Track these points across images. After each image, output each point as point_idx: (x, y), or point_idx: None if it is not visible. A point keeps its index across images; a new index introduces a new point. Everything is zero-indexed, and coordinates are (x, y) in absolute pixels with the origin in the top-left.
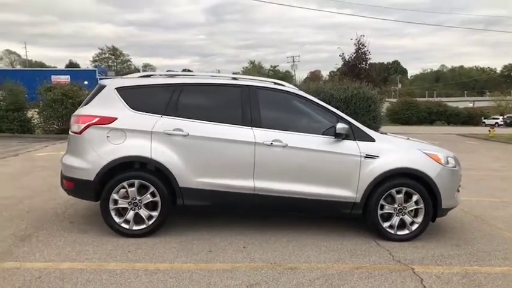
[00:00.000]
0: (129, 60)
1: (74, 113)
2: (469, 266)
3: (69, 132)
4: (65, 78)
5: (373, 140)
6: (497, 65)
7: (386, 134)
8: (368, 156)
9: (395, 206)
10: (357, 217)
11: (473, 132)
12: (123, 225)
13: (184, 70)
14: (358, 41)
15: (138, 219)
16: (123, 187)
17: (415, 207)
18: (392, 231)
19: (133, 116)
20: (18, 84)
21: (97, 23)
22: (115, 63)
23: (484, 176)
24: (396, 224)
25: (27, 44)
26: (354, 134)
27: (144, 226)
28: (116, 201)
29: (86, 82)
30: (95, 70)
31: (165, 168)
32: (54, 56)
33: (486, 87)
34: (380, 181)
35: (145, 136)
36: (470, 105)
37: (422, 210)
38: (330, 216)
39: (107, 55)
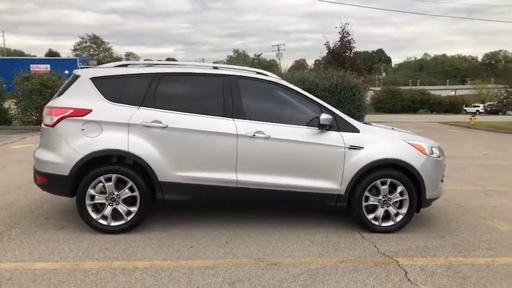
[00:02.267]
0: (110, 49)
1: (47, 105)
2: (453, 257)
3: (42, 125)
4: (44, 68)
5: (357, 130)
6: (479, 53)
7: (370, 124)
8: (352, 148)
9: (380, 197)
10: (341, 209)
11: (455, 120)
12: (101, 221)
13: (168, 59)
14: (343, 29)
15: (116, 215)
16: (100, 182)
17: (400, 198)
18: (377, 223)
19: (109, 107)
20: None
21: (78, 10)
22: (97, 52)
23: (466, 164)
24: (381, 215)
25: (6, 32)
26: (338, 125)
27: (122, 222)
28: (92, 197)
29: (66, 71)
30: (76, 59)
31: (143, 161)
32: (33, 45)
33: (468, 75)
34: (364, 172)
35: (122, 128)
36: (452, 93)
37: (407, 201)
38: (314, 209)
39: (88, 44)
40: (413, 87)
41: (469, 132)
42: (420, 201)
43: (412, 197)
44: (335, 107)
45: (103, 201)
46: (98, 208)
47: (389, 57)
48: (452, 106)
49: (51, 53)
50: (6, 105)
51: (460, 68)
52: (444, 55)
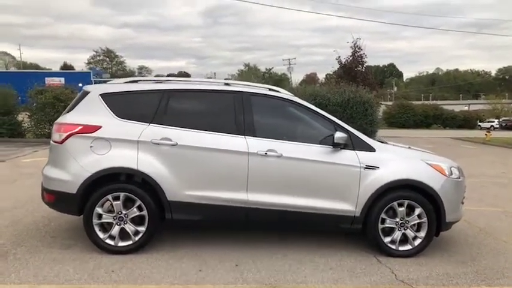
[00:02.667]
0: (123, 62)
1: (56, 121)
2: (476, 285)
3: (51, 142)
4: (58, 81)
5: (373, 149)
6: (492, 68)
7: (386, 142)
8: (368, 167)
9: (397, 220)
10: (356, 232)
11: (469, 135)
12: (108, 241)
13: (180, 72)
14: (355, 44)
15: (123, 234)
16: (108, 200)
17: (418, 221)
18: (393, 247)
19: (118, 124)
20: (8, 86)
21: (93, 25)
22: (110, 66)
23: (484, 182)
24: (398, 239)
25: (22, 46)
26: (353, 144)
27: (130, 242)
28: (100, 216)
29: (80, 84)
30: (90, 72)
31: (152, 180)
32: (49, 58)
33: (481, 90)
34: (381, 193)
35: (131, 146)
36: (466, 108)
37: (426, 224)
38: (328, 231)
39: (101, 57)
40: (426, 102)
41: (485, 149)
42: (440, 225)
43: (431, 220)
44: (347, 123)
45: (110, 220)
46: (105, 227)
47: (400, 71)
48: (466, 121)
49: (65, 66)
50: (20, 118)
51: (473, 83)
52: (457, 70)
